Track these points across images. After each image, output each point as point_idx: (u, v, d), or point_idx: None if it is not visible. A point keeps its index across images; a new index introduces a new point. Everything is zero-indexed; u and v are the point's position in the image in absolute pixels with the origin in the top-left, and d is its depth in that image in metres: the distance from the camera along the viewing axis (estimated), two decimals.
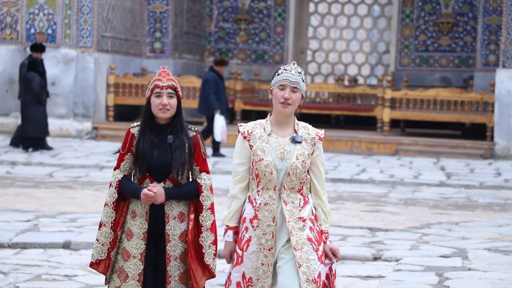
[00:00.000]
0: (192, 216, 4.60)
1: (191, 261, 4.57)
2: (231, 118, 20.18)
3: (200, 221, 4.61)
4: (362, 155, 16.68)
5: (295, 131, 4.51)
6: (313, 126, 4.56)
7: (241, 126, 4.56)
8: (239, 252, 4.46)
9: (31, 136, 15.17)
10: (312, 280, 4.36)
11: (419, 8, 21.37)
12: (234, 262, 4.47)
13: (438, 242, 8.39)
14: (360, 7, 22.82)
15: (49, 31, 18.00)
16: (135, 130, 4.66)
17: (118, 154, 4.68)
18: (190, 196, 4.62)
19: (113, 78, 18.43)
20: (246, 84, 20.46)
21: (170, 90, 4.58)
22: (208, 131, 15.15)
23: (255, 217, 4.44)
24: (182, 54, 21.19)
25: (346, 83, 21.89)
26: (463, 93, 18.22)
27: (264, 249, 4.42)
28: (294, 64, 4.50)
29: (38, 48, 15.52)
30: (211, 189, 4.66)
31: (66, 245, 7.73)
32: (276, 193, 4.43)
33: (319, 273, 4.41)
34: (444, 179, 13.53)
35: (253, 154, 4.45)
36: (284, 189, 4.43)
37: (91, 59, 17.92)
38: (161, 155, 4.58)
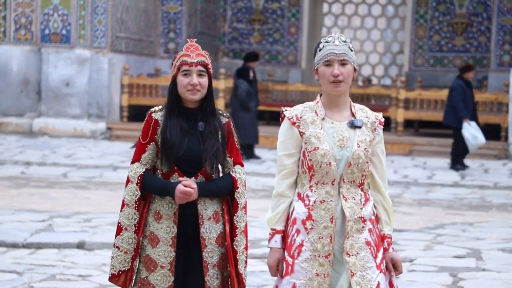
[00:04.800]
0: (227, 217, 3.95)
1: (232, 269, 3.92)
2: None
3: (235, 222, 3.94)
4: None
5: (353, 114, 3.82)
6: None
7: (286, 110, 3.86)
8: (289, 260, 3.74)
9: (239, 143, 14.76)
10: None
11: (433, 9, 21.32)
12: (284, 272, 3.77)
13: (452, 243, 8.37)
14: (374, 7, 22.79)
15: (64, 32, 18.07)
16: (158, 116, 3.92)
17: (136, 145, 3.98)
18: (225, 192, 3.95)
19: (127, 78, 18.48)
20: (260, 84, 20.42)
21: (200, 68, 3.88)
22: (458, 147, 14.23)
23: (309, 217, 3.72)
24: None
25: (360, 83, 21.86)
26: (477, 93, 18.14)
27: (319, 256, 3.70)
28: (336, 33, 3.80)
29: (252, 57, 15.34)
30: (244, 185, 3.99)
31: (81, 245, 7.75)
32: (335, 188, 3.73)
33: (378, 284, 3.73)
34: (458, 180, 13.50)
35: (305, 143, 3.75)
36: (344, 182, 3.73)
37: (105, 60, 17.97)
38: (192, 144, 3.88)
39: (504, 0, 19.36)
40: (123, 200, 3.94)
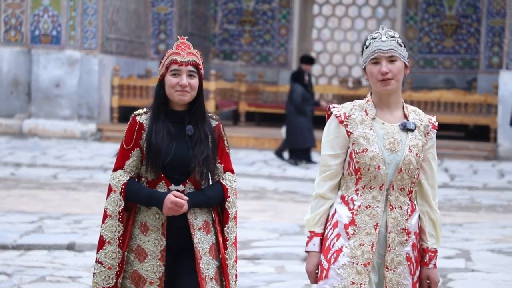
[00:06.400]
0: (219, 227, 3.70)
1: (228, 284, 3.67)
2: (235, 120, 20.20)
3: (225, 234, 3.69)
4: None
5: (405, 116, 3.54)
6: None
7: (333, 107, 3.60)
8: (325, 264, 3.49)
9: (295, 147, 14.57)
10: None
11: (423, 10, 21.38)
12: (318, 276, 3.52)
13: (441, 244, 8.36)
14: (364, 9, 22.83)
15: (54, 33, 18.05)
16: (142, 119, 3.65)
17: (118, 151, 3.70)
18: (215, 202, 3.69)
19: (117, 79, 18.47)
20: (250, 85, 20.49)
21: (191, 68, 3.62)
22: None
23: (352, 222, 3.47)
24: None
25: (350, 84, 21.90)
26: (467, 95, 18.23)
27: (358, 263, 3.45)
28: (383, 28, 3.54)
29: (307, 60, 15.13)
30: (235, 194, 3.73)
31: (70, 247, 7.74)
32: (383, 194, 3.47)
33: None
34: (448, 181, 13.54)
35: (353, 143, 3.49)
36: (393, 189, 3.47)
37: (95, 61, 17.96)
38: (180, 150, 3.61)
39: (493, 2, 19.43)
40: (105, 211, 3.67)
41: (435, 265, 3.56)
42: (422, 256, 3.57)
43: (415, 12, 21.48)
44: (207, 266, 3.63)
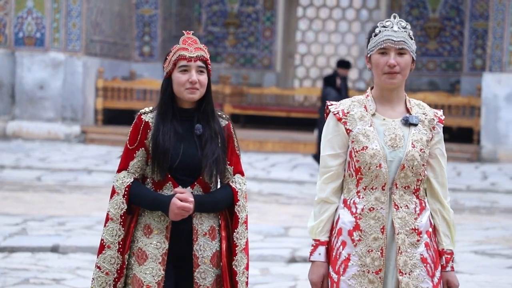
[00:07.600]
0: (224, 234, 3.50)
1: None
2: None
3: (234, 239, 3.49)
4: None
5: (408, 110, 3.38)
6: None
7: (331, 104, 3.43)
8: (334, 276, 3.28)
9: None
10: None
11: (406, 13, 21.46)
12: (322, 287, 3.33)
13: None
14: (348, 11, 22.90)
15: (38, 35, 17.99)
16: (148, 118, 3.47)
17: (122, 152, 3.53)
18: (224, 206, 3.50)
19: (101, 81, 18.44)
20: (234, 88, 20.50)
21: (200, 63, 3.45)
22: None
23: (356, 227, 3.27)
24: None
25: None
26: (450, 97, 18.31)
27: (369, 272, 3.26)
28: (395, 17, 3.32)
29: (344, 64, 15.00)
30: (245, 197, 3.54)
31: (54, 249, 7.72)
32: (386, 194, 3.27)
33: None
34: None
35: (353, 141, 3.29)
36: (396, 188, 3.26)
37: (79, 63, 17.92)
38: (189, 150, 3.44)
39: (477, 5, 19.54)
40: (107, 214, 3.48)
41: (452, 267, 3.37)
42: (440, 259, 3.38)
43: (399, 15, 21.50)
44: (203, 275, 3.46)
